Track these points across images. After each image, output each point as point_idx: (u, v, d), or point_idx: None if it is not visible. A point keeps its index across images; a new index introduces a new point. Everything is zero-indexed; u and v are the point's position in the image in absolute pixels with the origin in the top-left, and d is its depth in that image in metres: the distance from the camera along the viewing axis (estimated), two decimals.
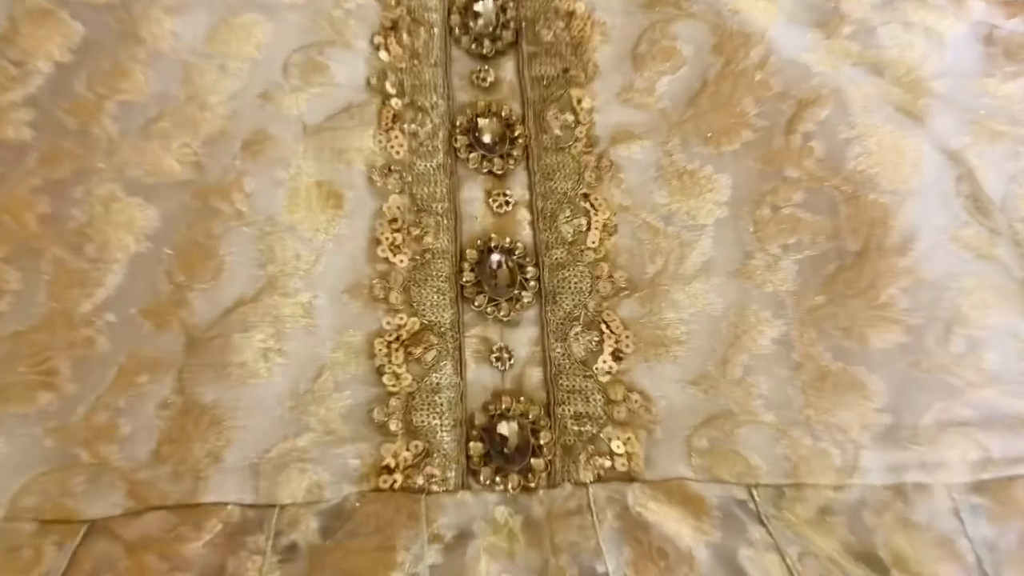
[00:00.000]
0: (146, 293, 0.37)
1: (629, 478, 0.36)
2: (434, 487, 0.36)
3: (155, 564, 0.33)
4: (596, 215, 0.41)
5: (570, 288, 0.40)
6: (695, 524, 0.35)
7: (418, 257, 0.40)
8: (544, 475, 0.36)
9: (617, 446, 0.37)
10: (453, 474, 0.37)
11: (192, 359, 0.37)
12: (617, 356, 0.39)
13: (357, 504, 0.35)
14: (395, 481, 0.36)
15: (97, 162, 0.39)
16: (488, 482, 0.36)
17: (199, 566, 0.33)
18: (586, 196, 0.41)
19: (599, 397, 0.38)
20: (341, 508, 0.35)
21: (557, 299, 0.40)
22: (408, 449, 0.36)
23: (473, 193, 0.42)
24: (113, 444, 0.35)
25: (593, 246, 0.40)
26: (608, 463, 0.37)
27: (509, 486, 0.36)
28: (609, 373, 0.38)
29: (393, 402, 0.37)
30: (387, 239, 0.40)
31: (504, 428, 0.37)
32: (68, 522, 0.34)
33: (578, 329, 0.39)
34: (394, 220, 0.40)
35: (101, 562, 0.33)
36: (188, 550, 0.33)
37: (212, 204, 0.39)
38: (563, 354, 0.39)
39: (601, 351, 0.39)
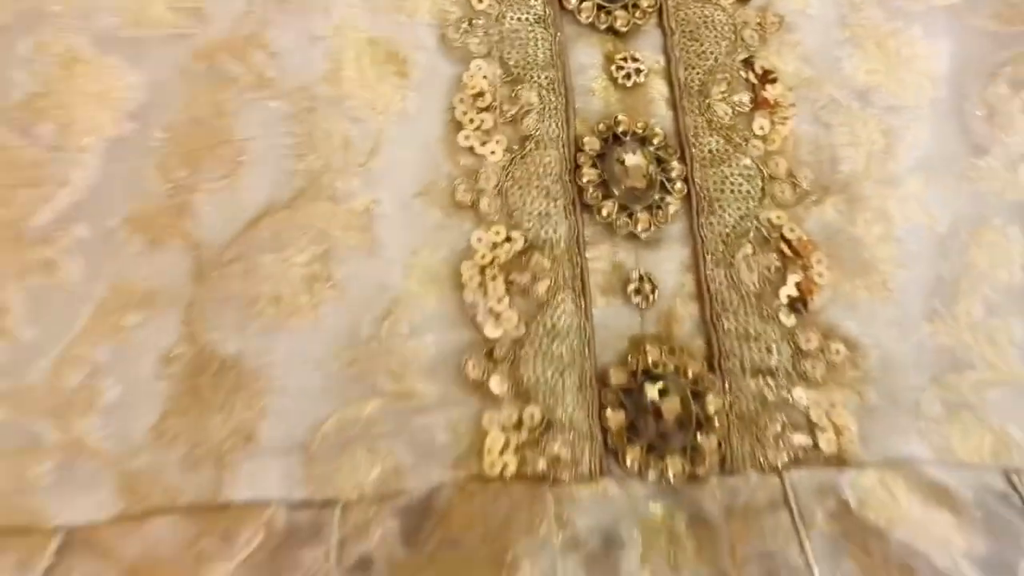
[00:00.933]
0: (132, 195, 0.31)
1: (839, 460, 0.30)
2: (563, 473, 0.30)
3: None
4: (764, 90, 0.34)
5: (733, 192, 0.33)
6: (952, 525, 0.29)
7: (516, 147, 0.33)
8: (716, 457, 0.30)
9: (818, 415, 0.31)
10: (586, 455, 0.30)
11: (203, 291, 0.30)
12: (807, 287, 0.32)
13: (456, 499, 0.29)
14: (505, 465, 0.30)
15: (51, 3, 0.33)
16: (637, 468, 0.30)
17: None
18: (748, 63, 0.35)
19: (785, 346, 0.32)
20: (430, 505, 0.29)
21: (716, 207, 0.33)
22: (520, 419, 0.30)
23: (588, 57, 0.35)
24: (92, 416, 0.29)
25: (762, 133, 0.34)
26: (807, 440, 0.30)
27: (670, 473, 0.29)
28: (796, 311, 0.32)
29: (495, 352, 0.31)
30: (472, 122, 0.33)
31: (651, 391, 0.30)
32: (33, 531, 0.28)
33: (748, 249, 0.33)
34: (480, 95, 0.33)
35: None
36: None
37: (221, 66, 0.32)
38: (728, 285, 0.32)
39: (783, 281, 0.32)
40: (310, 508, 0.29)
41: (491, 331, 0.31)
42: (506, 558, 0.28)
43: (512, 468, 0.30)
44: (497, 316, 0.31)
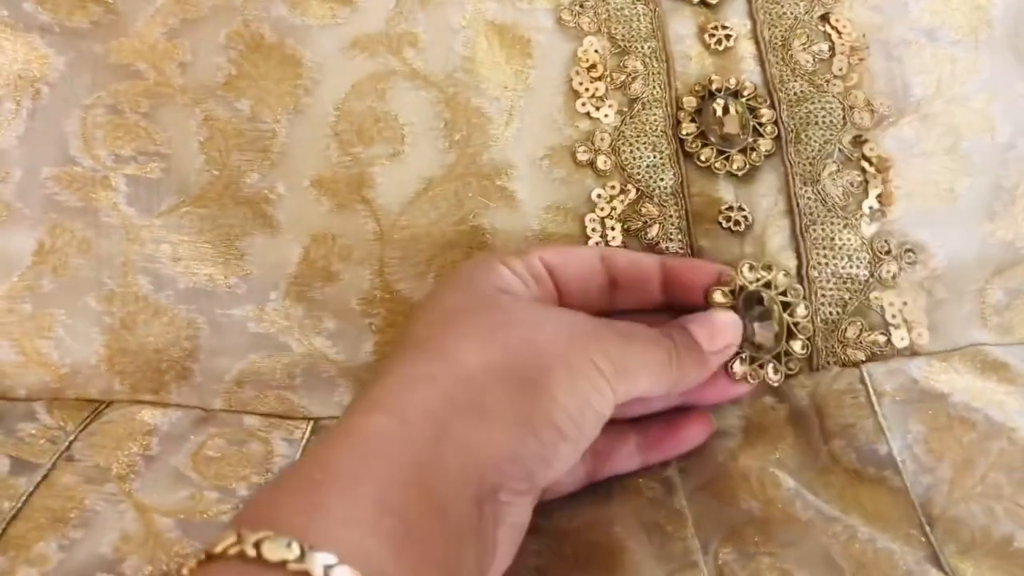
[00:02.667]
0: (316, 160, 0.36)
1: (911, 353, 0.35)
2: None
3: None
4: (840, 38, 0.38)
5: (818, 123, 0.37)
6: (1006, 391, 0.34)
7: (626, 109, 0.38)
8: (804, 359, 0.35)
9: (892, 315, 0.35)
10: None
11: (388, 250, 0.36)
12: (887, 197, 0.36)
13: None
14: None
15: None
16: (742, 376, 0.34)
17: None
18: (824, 18, 0.39)
19: (864, 254, 0.36)
20: None
21: (802, 138, 0.37)
22: None
23: (683, 28, 0.39)
24: (322, 337, 0.36)
25: (841, 74, 0.38)
26: (883, 338, 0.35)
27: (769, 376, 0.34)
28: (876, 221, 0.36)
29: None
30: (587, 90, 0.38)
31: (759, 327, 0.34)
32: (291, 418, 0.36)
33: (833, 168, 0.37)
34: (593, 67, 0.38)
35: None
36: None
37: (380, 59, 0.37)
38: (815, 199, 0.36)
39: (865, 194, 0.36)
40: None
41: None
42: None
43: None
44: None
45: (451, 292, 0.31)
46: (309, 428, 0.35)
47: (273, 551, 0.21)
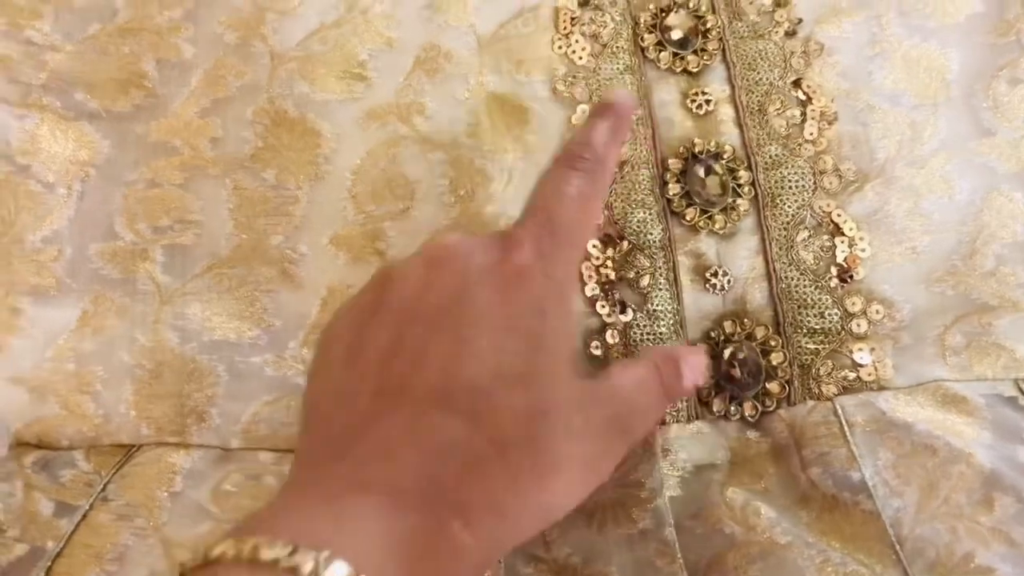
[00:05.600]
0: (334, 220, 0.42)
1: (879, 387, 0.40)
2: (667, 418, 0.40)
3: None
4: (811, 103, 0.44)
5: (791, 187, 0.43)
6: (965, 422, 0.39)
7: (617, 170, 0.43)
8: (782, 397, 0.40)
9: (861, 357, 0.41)
10: (684, 406, 0.41)
11: None
12: (852, 260, 0.42)
13: None
14: None
15: (262, 79, 0.43)
16: (722, 412, 0.41)
17: None
18: (797, 84, 0.44)
19: (835, 311, 0.41)
20: None
21: (777, 202, 0.43)
22: None
23: (667, 95, 0.45)
24: None
25: (811, 138, 0.43)
26: (852, 375, 0.40)
27: (745, 414, 0.40)
28: (844, 281, 0.42)
29: (610, 334, 0.41)
30: None
31: (731, 353, 0.41)
32: None
33: (805, 234, 0.42)
34: None
35: None
36: None
37: (392, 127, 0.43)
38: (789, 264, 0.42)
39: (833, 258, 0.42)
40: None
41: (608, 317, 0.41)
42: (629, 480, 0.38)
43: None
44: (612, 305, 0.42)
45: None
46: None
47: (268, 552, 0.23)
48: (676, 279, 0.42)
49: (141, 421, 0.42)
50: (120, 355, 0.43)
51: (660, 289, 0.42)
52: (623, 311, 0.43)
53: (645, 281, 0.42)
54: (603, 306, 0.42)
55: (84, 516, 0.39)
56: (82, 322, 0.43)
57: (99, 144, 0.44)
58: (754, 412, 0.40)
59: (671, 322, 0.42)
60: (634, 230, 0.43)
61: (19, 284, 0.43)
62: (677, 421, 0.41)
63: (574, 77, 0.44)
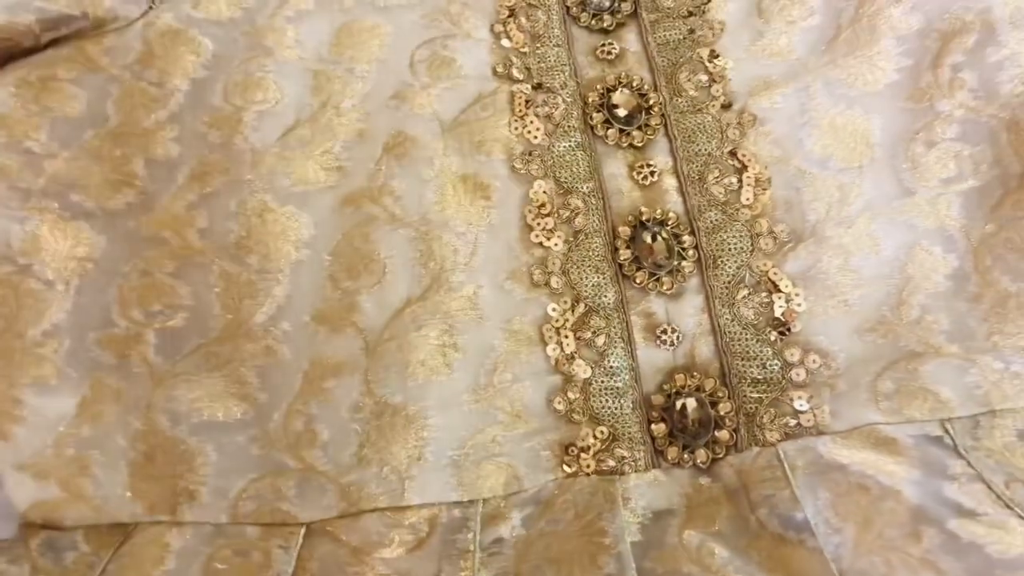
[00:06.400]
0: (315, 299, 0.45)
1: (817, 432, 0.43)
2: (626, 468, 0.43)
3: (381, 569, 0.40)
4: (747, 171, 0.48)
5: (730, 250, 0.47)
6: (895, 462, 0.42)
7: (572, 239, 0.47)
8: (731, 444, 0.44)
9: (801, 405, 0.44)
10: (642, 455, 0.44)
11: (373, 361, 0.44)
12: (789, 315, 0.45)
13: (556, 492, 0.43)
14: (588, 466, 0.44)
15: (245, 174, 0.47)
16: (677, 460, 0.44)
17: (418, 573, 0.40)
18: (733, 153, 0.48)
19: (775, 361, 0.45)
20: (539, 497, 0.43)
21: (719, 263, 0.46)
22: (595, 436, 0.44)
23: (616, 169, 0.49)
24: (315, 449, 0.43)
25: (748, 203, 0.47)
26: (793, 421, 0.44)
27: (698, 461, 0.44)
28: (782, 334, 0.45)
29: (571, 391, 0.45)
30: (538, 224, 0.47)
31: (690, 403, 0.44)
32: (286, 525, 0.42)
33: (745, 292, 0.46)
34: (543, 205, 0.47)
35: (327, 563, 0.40)
36: (410, 557, 0.41)
37: (365, 209, 0.46)
38: (732, 320, 0.46)
39: (772, 312, 0.45)
40: (461, 506, 0.42)
41: (568, 375, 0.45)
42: (593, 528, 0.40)
43: (592, 467, 0.43)
44: (571, 364, 0.45)
45: None
46: (303, 534, 0.42)
47: None
48: (630, 337, 0.46)
49: (136, 501, 0.45)
50: (116, 439, 0.45)
51: (615, 347, 0.46)
52: (582, 369, 0.46)
53: (601, 340, 0.46)
54: (562, 363, 0.45)
55: None
56: (81, 408, 0.46)
57: (95, 240, 0.48)
58: (706, 459, 0.44)
59: (627, 377, 0.46)
60: (589, 293, 0.46)
61: (21, 376, 0.46)
62: (636, 471, 0.44)
63: (530, 155, 0.48)
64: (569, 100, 0.51)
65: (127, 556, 0.43)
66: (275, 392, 0.44)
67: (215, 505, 0.44)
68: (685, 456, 0.44)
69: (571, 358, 0.45)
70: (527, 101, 0.51)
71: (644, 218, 0.47)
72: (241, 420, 0.45)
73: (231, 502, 0.44)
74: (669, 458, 0.44)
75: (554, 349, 0.45)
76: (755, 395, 0.44)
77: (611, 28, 0.52)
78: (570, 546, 0.40)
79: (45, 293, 0.46)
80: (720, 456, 0.44)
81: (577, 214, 0.48)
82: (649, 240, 0.47)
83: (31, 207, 0.47)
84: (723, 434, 0.44)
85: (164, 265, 0.47)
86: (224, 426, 0.45)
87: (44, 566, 0.43)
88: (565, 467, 0.44)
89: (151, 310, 0.46)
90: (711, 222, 0.47)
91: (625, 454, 0.44)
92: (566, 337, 0.45)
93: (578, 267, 0.47)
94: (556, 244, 0.47)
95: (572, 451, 0.44)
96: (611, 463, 0.44)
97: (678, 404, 0.44)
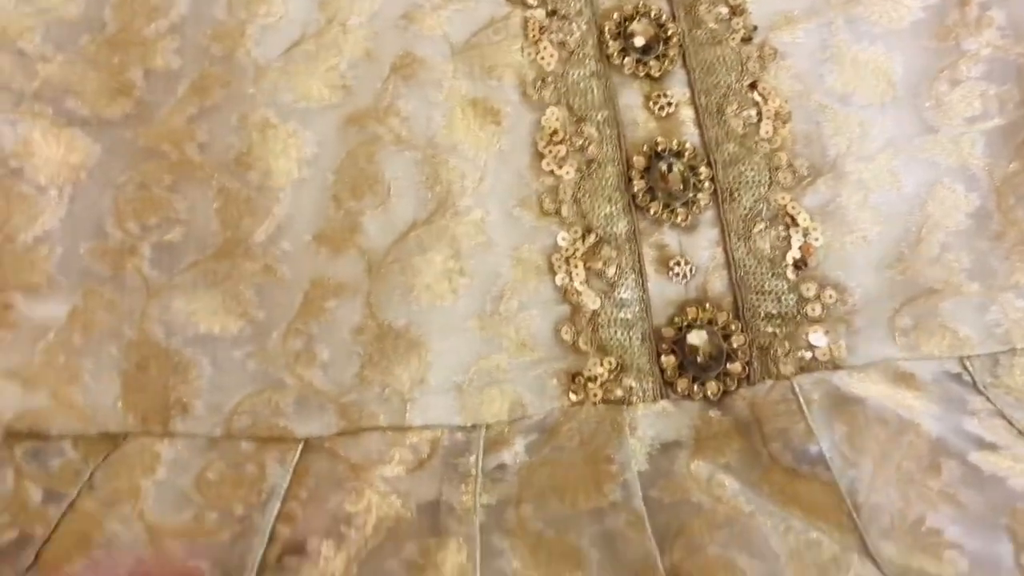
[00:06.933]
0: (317, 219, 0.43)
1: (833, 366, 0.42)
2: (634, 398, 0.42)
3: (380, 486, 0.39)
4: (766, 104, 0.46)
5: (748, 183, 0.45)
6: (913, 396, 0.41)
7: (584, 168, 0.45)
8: (743, 377, 0.43)
9: (816, 339, 0.43)
10: (650, 386, 0.43)
11: (376, 284, 0.43)
12: (806, 249, 0.44)
13: (561, 419, 0.42)
14: (595, 395, 0.43)
15: (247, 88, 0.45)
16: (687, 392, 0.43)
17: (418, 493, 0.39)
18: (752, 86, 0.47)
19: (791, 296, 0.43)
20: (544, 424, 0.42)
21: (735, 196, 0.45)
22: (602, 366, 0.43)
23: (632, 99, 0.47)
24: (315, 368, 0.42)
25: (767, 136, 0.45)
26: (809, 355, 0.42)
27: (708, 393, 0.42)
28: (799, 269, 0.44)
29: (579, 320, 0.44)
30: (550, 152, 0.45)
31: (694, 338, 0.43)
32: (283, 440, 0.41)
33: (762, 225, 0.44)
34: (555, 132, 0.45)
35: (324, 478, 0.39)
36: (410, 477, 0.40)
37: (370, 129, 0.45)
38: (747, 253, 0.44)
39: (789, 246, 0.44)
40: (464, 430, 0.41)
41: (577, 305, 0.44)
42: (599, 456, 0.40)
43: (599, 396, 0.42)
44: (580, 294, 0.44)
45: None
46: (300, 449, 0.41)
47: None
48: (641, 269, 0.45)
49: (128, 412, 0.44)
50: (108, 349, 0.44)
51: (626, 278, 0.44)
52: (591, 299, 0.45)
53: (612, 271, 0.44)
54: (571, 294, 0.43)
55: (72, 504, 0.41)
56: (72, 317, 0.44)
57: (90, 149, 0.46)
58: (717, 392, 0.42)
59: (637, 309, 0.45)
60: (601, 223, 0.45)
61: (11, 280, 0.44)
62: (643, 401, 0.43)
63: (543, 81, 0.46)
64: (584, 28, 0.49)
65: (116, 464, 0.42)
66: (274, 310, 0.43)
67: (209, 419, 0.43)
68: (695, 388, 0.43)
69: (580, 288, 0.44)
70: (541, 27, 0.49)
71: (659, 148, 0.45)
72: (238, 335, 0.44)
73: (225, 416, 0.43)
74: (679, 390, 0.43)
75: (563, 279, 0.44)
76: (769, 329, 0.43)
77: None
78: (575, 473, 0.39)
79: (37, 198, 0.45)
80: (732, 389, 0.42)
81: (590, 143, 0.46)
82: (664, 170, 0.45)
83: (23, 110, 0.45)
84: (735, 367, 0.43)
85: (161, 178, 0.45)
86: (220, 340, 0.44)
87: (29, 472, 0.41)
88: (571, 395, 0.43)
89: (147, 223, 0.45)
90: (728, 154, 0.46)
91: (633, 384, 0.43)
92: (575, 267, 0.44)
93: (590, 196, 0.45)
94: (568, 173, 0.45)
95: (579, 380, 0.43)
96: (619, 393, 0.43)
97: (690, 337, 0.43)
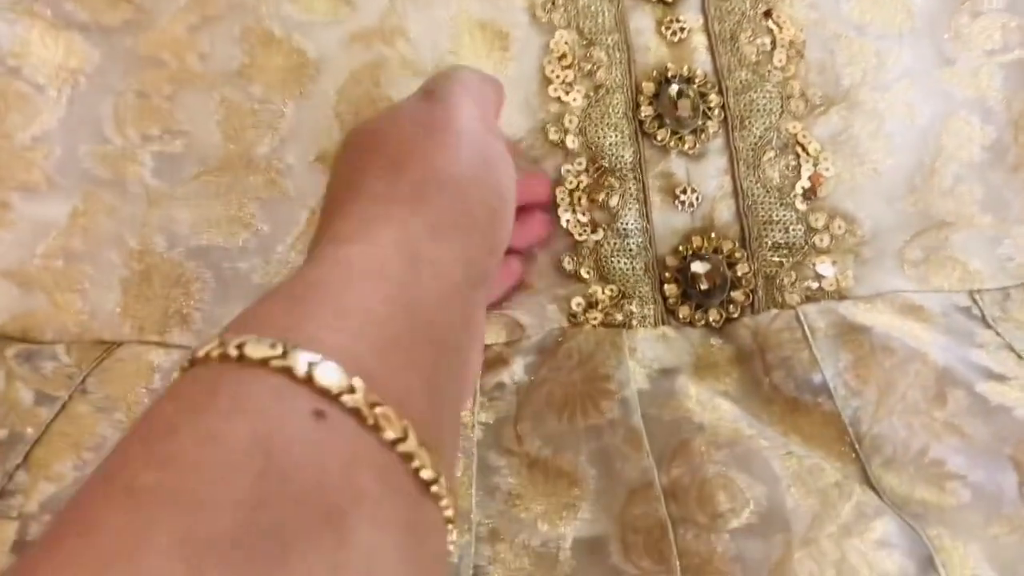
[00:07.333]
0: (320, 138, 0.43)
1: (840, 297, 0.42)
2: (634, 323, 0.42)
3: None
4: (780, 32, 0.45)
5: (759, 111, 0.44)
6: (921, 327, 0.40)
7: (592, 94, 0.44)
8: (747, 305, 0.42)
9: (824, 269, 0.43)
10: (651, 312, 0.43)
11: None
12: (816, 179, 0.43)
13: (559, 340, 0.42)
14: (595, 318, 0.43)
15: None
16: (688, 319, 0.43)
17: None
18: (767, 14, 0.45)
19: (799, 226, 0.43)
20: (543, 345, 0.42)
21: (746, 124, 0.44)
22: (603, 292, 0.43)
23: (643, 23, 0.46)
24: None
25: (780, 64, 0.45)
26: (815, 285, 0.42)
27: (710, 320, 0.42)
28: (808, 199, 0.43)
29: (582, 251, 0.44)
30: (558, 77, 0.44)
31: (698, 267, 0.43)
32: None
33: (772, 154, 0.44)
34: (563, 56, 0.45)
35: None
36: None
37: (375, 48, 0.44)
38: (756, 182, 0.44)
39: (798, 176, 0.44)
40: None
41: (580, 237, 0.44)
42: (597, 374, 0.40)
43: (599, 320, 0.43)
44: (582, 225, 0.44)
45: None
46: None
47: (255, 350, 0.20)
48: (646, 199, 0.44)
49: (126, 320, 0.43)
50: (109, 256, 0.44)
51: (630, 208, 0.44)
52: (593, 230, 0.45)
53: (614, 201, 0.44)
54: (574, 226, 0.43)
55: (63, 406, 0.40)
56: (72, 220, 0.44)
57: (89, 53, 0.45)
58: (719, 319, 0.42)
59: (640, 239, 0.44)
60: (606, 152, 0.44)
61: (8, 180, 0.44)
62: (643, 326, 0.43)
63: (553, 3, 0.45)
64: None
65: (110, 370, 0.42)
66: (278, 225, 0.43)
67: (207, 332, 0.43)
68: (697, 315, 0.42)
69: (582, 220, 0.44)
70: None
71: (670, 74, 0.44)
72: (242, 248, 0.43)
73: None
74: (680, 317, 0.43)
75: (566, 211, 0.44)
76: (776, 259, 0.43)
77: None
78: (573, 391, 0.39)
79: (35, 97, 0.44)
80: (734, 316, 0.42)
81: (599, 67, 0.45)
82: (674, 96, 0.44)
83: (21, 10, 0.44)
84: (738, 295, 0.42)
85: (162, 88, 0.44)
86: (224, 252, 0.43)
87: (21, 373, 0.41)
88: (571, 319, 0.43)
89: (148, 133, 0.44)
90: (740, 82, 0.45)
91: (634, 310, 0.43)
92: (579, 199, 0.44)
93: (596, 125, 0.44)
94: (575, 99, 0.44)
95: (579, 305, 0.43)
96: (619, 317, 0.43)
97: (694, 266, 0.43)
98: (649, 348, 0.41)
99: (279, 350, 0.21)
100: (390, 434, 0.21)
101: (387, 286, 0.25)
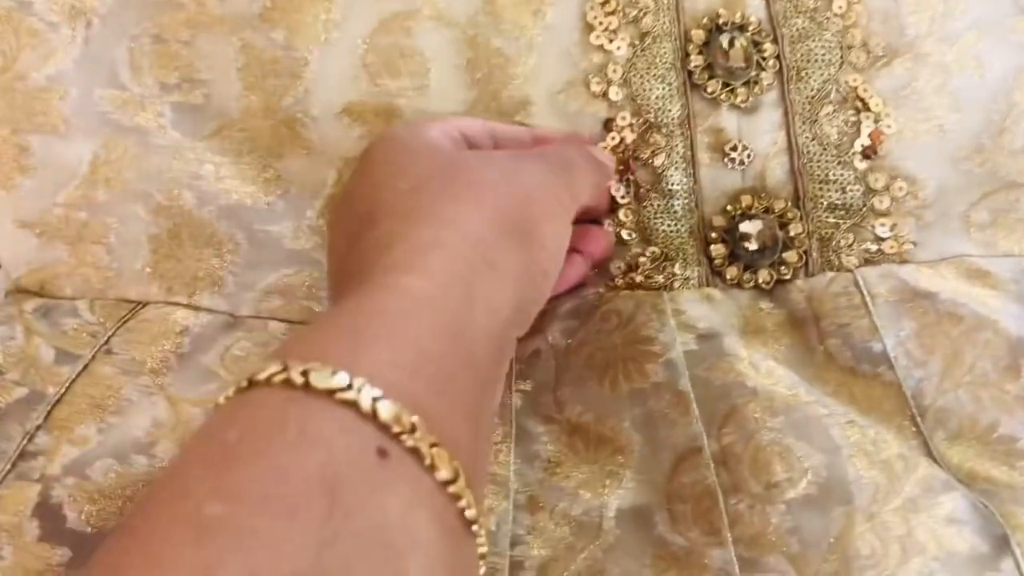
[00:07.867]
0: (348, 89, 0.40)
1: (901, 260, 0.39)
2: (676, 284, 0.40)
3: None
4: None
5: (817, 62, 0.41)
6: (990, 294, 0.38)
7: (637, 43, 0.41)
8: (800, 267, 0.40)
9: (883, 232, 0.40)
10: (695, 274, 0.41)
11: None
12: (876, 136, 0.40)
13: (597, 303, 0.39)
14: (634, 280, 0.41)
15: None
16: (736, 280, 0.40)
17: None
18: None
19: (857, 187, 0.40)
20: (579, 309, 0.39)
21: (803, 76, 0.41)
22: (645, 255, 0.41)
23: None
24: None
25: (840, 12, 0.41)
26: (875, 247, 0.40)
27: (760, 281, 0.40)
28: (867, 157, 0.40)
29: (624, 212, 0.42)
30: (601, 24, 0.41)
31: (747, 226, 0.40)
32: None
33: (830, 109, 0.41)
34: (607, 2, 0.42)
35: None
36: None
37: None
38: (812, 139, 0.41)
39: (858, 132, 0.41)
40: None
41: (623, 197, 0.42)
42: (639, 337, 0.37)
43: (639, 281, 0.41)
44: (627, 185, 0.42)
45: (409, 159, 0.33)
46: None
47: (321, 380, 0.21)
48: (694, 157, 0.42)
49: (154, 279, 0.42)
50: (135, 209, 0.42)
51: (676, 168, 0.42)
52: (637, 191, 0.42)
53: (660, 160, 0.41)
54: (617, 187, 0.41)
55: (86, 366, 0.39)
56: (94, 168, 0.42)
57: None
58: (769, 280, 0.40)
59: (685, 200, 0.42)
60: (652, 106, 0.41)
61: (25, 122, 0.41)
62: (686, 287, 0.41)
63: None
64: None
65: (136, 331, 0.40)
66: (307, 186, 0.41)
67: (238, 296, 0.41)
68: (746, 276, 0.40)
69: (626, 179, 0.42)
70: None
71: (721, 21, 0.41)
72: (270, 209, 0.41)
73: (257, 295, 0.41)
74: (727, 278, 0.40)
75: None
76: (832, 220, 0.40)
77: None
78: (614, 355, 0.37)
79: (48, 34, 0.41)
80: (786, 278, 0.40)
81: (645, 13, 0.42)
82: (725, 45, 0.41)
83: None
84: (791, 256, 0.40)
85: (179, 32, 0.41)
86: (254, 212, 0.42)
87: (40, 329, 0.39)
88: (607, 283, 0.41)
89: (167, 82, 0.42)
90: (797, 30, 0.42)
91: (676, 272, 0.41)
92: (621, 156, 0.42)
93: (642, 76, 0.41)
94: (619, 48, 0.41)
95: (618, 268, 0.41)
96: (659, 279, 0.40)
97: (743, 225, 0.40)
98: (694, 309, 0.39)
99: (345, 382, 0.21)
100: (444, 474, 0.22)
101: (442, 321, 0.25)
